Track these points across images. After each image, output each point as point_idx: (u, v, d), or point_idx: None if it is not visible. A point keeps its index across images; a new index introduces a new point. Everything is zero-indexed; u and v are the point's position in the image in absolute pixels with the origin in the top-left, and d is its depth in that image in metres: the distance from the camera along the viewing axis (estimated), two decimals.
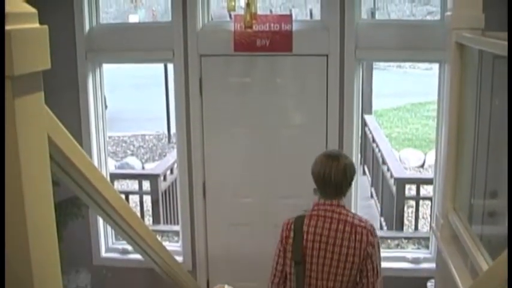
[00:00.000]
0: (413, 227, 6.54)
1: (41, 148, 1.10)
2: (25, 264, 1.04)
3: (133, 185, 7.43)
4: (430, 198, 4.76)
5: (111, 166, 9.60)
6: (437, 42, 3.61)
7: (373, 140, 7.82)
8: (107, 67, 4.50)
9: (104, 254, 4.50)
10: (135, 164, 11.03)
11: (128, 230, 2.10)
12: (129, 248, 4.11)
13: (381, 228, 6.22)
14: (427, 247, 4.41)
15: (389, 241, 4.95)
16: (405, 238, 5.08)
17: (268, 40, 3.97)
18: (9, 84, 0.96)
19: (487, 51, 2.54)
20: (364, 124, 8.31)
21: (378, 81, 12.01)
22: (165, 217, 5.96)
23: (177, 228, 4.78)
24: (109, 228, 4.43)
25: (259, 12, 3.84)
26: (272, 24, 3.97)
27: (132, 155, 11.99)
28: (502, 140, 2.22)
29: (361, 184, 6.12)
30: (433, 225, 3.49)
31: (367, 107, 9.86)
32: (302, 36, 3.99)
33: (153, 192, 5.96)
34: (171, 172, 6.16)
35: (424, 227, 7.00)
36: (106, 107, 4.54)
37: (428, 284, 3.94)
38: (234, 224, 4.32)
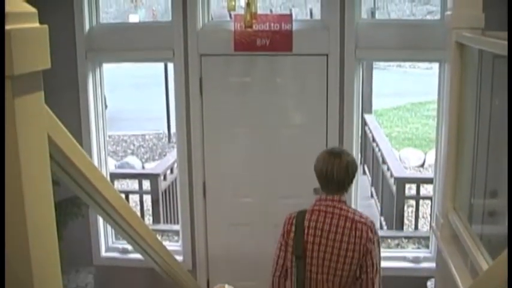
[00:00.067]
0: (413, 226, 6.54)
1: (41, 147, 1.10)
2: (25, 264, 1.04)
3: (133, 184, 7.43)
4: (430, 198, 4.76)
5: (111, 165, 9.60)
6: (437, 41, 3.62)
7: (373, 140, 7.82)
8: (107, 67, 4.50)
9: (104, 253, 4.50)
10: (135, 164, 11.03)
11: (128, 230, 2.10)
12: (129, 247, 4.12)
13: (381, 227, 6.22)
14: (427, 246, 4.42)
15: (389, 240, 4.95)
16: (405, 237, 5.08)
17: (268, 40, 3.97)
18: (9, 83, 0.96)
19: (487, 50, 2.54)
20: (364, 123, 8.31)
21: (378, 81, 12.01)
22: (165, 216, 5.96)
23: (177, 227, 4.78)
24: (109, 227, 4.43)
25: (259, 11, 3.84)
26: (272, 24, 3.97)
27: (132, 154, 11.99)
28: (502, 139, 2.22)
29: (361, 183, 6.12)
30: (433, 224, 3.49)
31: (367, 107, 9.85)
32: (302, 36, 3.99)
33: (153, 191, 5.96)
34: (171, 172, 6.16)
35: (424, 227, 7.00)
36: (106, 106, 4.54)
37: (428, 283, 3.94)
38: (234, 224, 4.32)
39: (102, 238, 4.48)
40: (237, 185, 4.28)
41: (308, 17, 11.91)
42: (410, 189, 6.36)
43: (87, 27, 4.14)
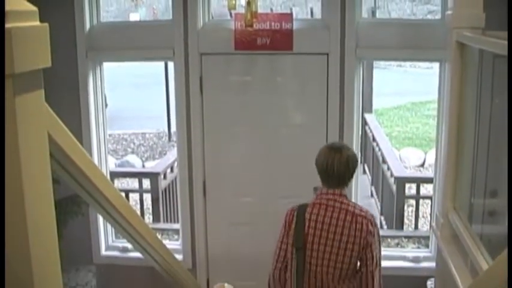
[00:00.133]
0: (413, 226, 6.54)
1: (41, 146, 1.10)
2: (25, 263, 1.04)
3: (133, 183, 7.43)
4: (430, 197, 4.76)
5: (112, 164, 9.60)
6: (438, 41, 3.61)
7: (374, 139, 7.82)
8: (107, 65, 4.50)
9: (104, 252, 4.50)
10: (135, 162, 11.04)
11: (128, 228, 2.10)
12: (129, 246, 4.12)
13: (381, 227, 6.21)
14: (427, 246, 4.42)
15: (389, 240, 4.96)
16: (405, 237, 5.09)
17: (268, 39, 3.97)
18: (9, 82, 0.96)
19: (487, 50, 2.54)
20: (364, 123, 8.30)
21: (378, 80, 12.00)
22: (165, 215, 5.96)
23: (177, 226, 4.79)
24: (109, 226, 4.43)
25: (259, 10, 3.84)
26: (273, 23, 3.97)
27: (132, 153, 11.99)
28: (502, 139, 2.22)
29: (361, 183, 6.12)
30: (433, 224, 3.49)
31: (367, 106, 9.84)
32: (303, 35, 3.99)
33: (153, 190, 5.96)
34: (171, 170, 6.16)
35: (424, 226, 7.00)
36: (106, 105, 4.53)
37: (428, 283, 3.94)
38: (234, 223, 4.32)
39: (102, 237, 4.48)
40: (237, 184, 4.28)
41: (308, 16, 11.93)
42: (411, 189, 6.36)
43: (87, 26, 4.14)
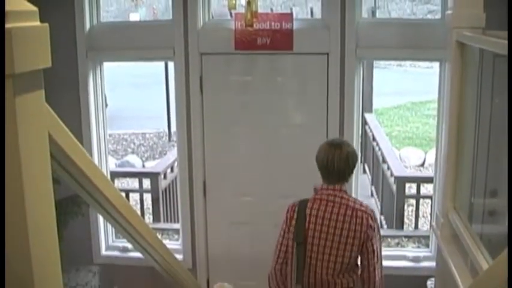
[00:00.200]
0: (413, 225, 6.54)
1: (42, 146, 1.10)
2: (25, 263, 1.04)
3: (133, 183, 7.43)
4: (430, 197, 4.76)
5: (112, 164, 9.60)
6: (438, 41, 3.61)
7: (374, 139, 7.81)
8: (107, 65, 4.50)
9: (104, 252, 4.51)
10: (135, 162, 11.04)
11: (128, 228, 2.10)
12: (130, 246, 4.12)
13: (381, 226, 6.21)
14: (427, 246, 4.42)
15: (389, 239, 4.96)
16: (405, 237, 5.09)
17: (268, 38, 3.97)
18: (10, 82, 0.96)
19: (487, 50, 2.54)
20: (364, 122, 8.30)
21: (378, 80, 12.00)
22: (165, 215, 5.96)
23: (177, 226, 4.79)
24: (109, 226, 4.43)
25: (259, 10, 3.84)
26: (273, 23, 3.97)
27: (132, 153, 11.99)
28: (502, 139, 2.22)
29: (362, 182, 6.11)
30: (433, 223, 3.49)
31: (367, 106, 9.84)
32: (303, 35, 3.99)
33: (154, 190, 5.97)
34: (172, 170, 6.16)
35: (424, 226, 7.00)
36: (106, 105, 4.53)
37: (428, 282, 3.94)
38: (234, 223, 4.33)
39: (102, 237, 4.48)
40: (237, 184, 4.28)
41: (309, 16, 11.94)
42: (411, 189, 6.36)
43: (87, 26, 4.14)
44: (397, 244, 4.91)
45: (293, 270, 2.75)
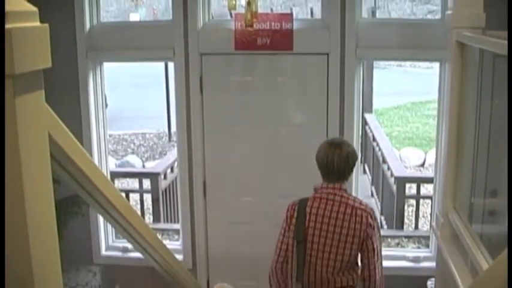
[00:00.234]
0: (413, 225, 6.54)
1: (42, 146, 1.10)
2: (25, 263, 1.04)
3: (133, 183, 7.43)
4: (430, 197, 4.77)
5: (112, 164, 9.60)
6: (438, 41, 3.61)
7: (374, 139, 7.81)
8: (107, 66, 4.50)
9: (104, 252, 4.51)
10: (135, 163, 11.04)
11: (128, 229, 2.10)
12: (130, 246, 4.12)
13: (382, 227, 6.22)
14: (427, 246, 4.42)
15: (389, 240, 4.96)
16: (405, 237, 5.09)
17: (268, 39, 3.97)
18: (10, 82, 0.96)
19: (487, 50, 2.54)
20: (364, 123, 8.30)
21: (378, 80, 12.00)
22: (166, 215, 5.96)
23: (177, 226, 4.79)
24: (109, 226, 4.43)
25: (259, 10, 3.84)
26: (273, 23, 3.97)
27: (132, 153, 11.99)
28: (503, 139, 2.22)
29: (362, 183, 6.12)
30: (433, 224, 3.49)
31: (367, 106, 9.85)
32: (303, 35, 3.99)
33: (154, 190, 5.97)
34: (172, 170, 6.16)
35: (424, 226, 7.00)
36: (106, 105, 4.54)
37: (429, 282, 3.94)
38: (234, 223, 4.33)
39: (102, 237, 4.48)
40: (237, 184, 4.28)
41: (309, 16, 11.93)
42: (411, 189, 6.36)
43: (87, 26, 4.14)
44: (397, 244, 4.91)
45: (293, 269, 2.76)
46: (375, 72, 11.20)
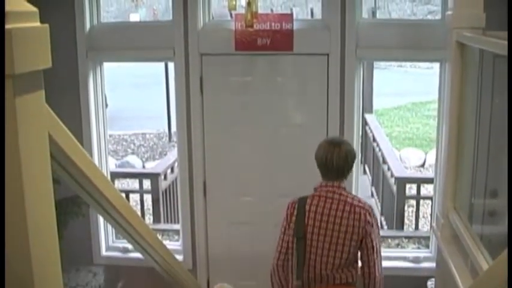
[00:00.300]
0: (413, 226, 6.54)
1: (42, 147, 1.10)
2: (25, 263, 1.04)
3: (133, 183, 7.44)
4: (430, 198, 4.76)
5: (112, 165, 9.60)
6: (438, 41, 3.61)
7: (374, 139, 7.81)
8: (107, 66, 4.50)
9: (104, 252, 4.50)
10: (135, 163, 11.04)
11: (128, 229, 2.10)
12: (130, 246, 4.12)
13: (382, 227, 6.22)
14: (428, 246, 4.42)
15: (389, 240, 4.95)
16: (405, 237, 5.08)
17: (269, 39, 3.97)
18: (10, 82, 0.96)
19: (487, 50, 2.54)
20: (364, 123, 8.31)
21: (378, 80, 12.00)
22: (166, 216, 5.96)
23: (177, 227, 4.78)
24: (109, 226, 4.43)
25: (260, 11, 3.84)
26: (273, 23, 3.97)
27: (132, 153, 11.99)
28: (503, 139, 2.22)
29: (362, 183, 6.11)
30: (434, 224, 3.49)
31: (367, 106, 9.85)
32: (303, 36, 3.99)
33: (154, 191, 5.97)
34: (172, 171, 6.16)
35: (424, 226, 7.00)
36: (107, 105, 4.53)
37: (429, 283, 3.94)
38: (235, 223, 4.33)
39: (102, 237, 4.48)
40: (237, 184, 4.28)
41: (309, 17, 11.93)
42: (411, 189, 6.36)
43: (87, 26, 4.14)
44: (397, 245, 4.89)
45: (293, 266, 2.79)
46: (375, 72, 11.21)
